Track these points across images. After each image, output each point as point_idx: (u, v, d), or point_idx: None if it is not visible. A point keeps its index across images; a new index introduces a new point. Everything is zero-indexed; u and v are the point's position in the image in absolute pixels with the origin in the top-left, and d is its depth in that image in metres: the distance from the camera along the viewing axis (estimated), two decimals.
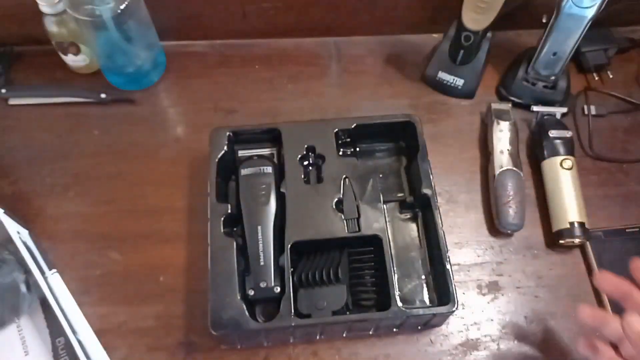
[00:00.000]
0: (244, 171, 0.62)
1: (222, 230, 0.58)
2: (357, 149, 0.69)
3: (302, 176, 0.62)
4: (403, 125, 0.66)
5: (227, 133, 0.64)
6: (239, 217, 0.60)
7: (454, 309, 0.54)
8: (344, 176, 0.62)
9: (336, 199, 0.60)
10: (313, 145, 0.63)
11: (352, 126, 0.65)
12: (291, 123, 0.66)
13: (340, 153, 0.66)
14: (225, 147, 0.63)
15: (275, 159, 0.65)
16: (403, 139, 0.69)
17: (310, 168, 0.64)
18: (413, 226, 0.65)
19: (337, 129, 0.64)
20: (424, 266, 0.62)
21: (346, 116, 0.72)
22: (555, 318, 0.61)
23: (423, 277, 0.62)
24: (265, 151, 0.66)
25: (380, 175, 0.67)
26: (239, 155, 0.66)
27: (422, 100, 0.77)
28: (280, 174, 0.62)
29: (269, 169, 0.62)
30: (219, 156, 0.62)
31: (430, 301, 0.60)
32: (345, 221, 0.59)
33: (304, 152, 0.63)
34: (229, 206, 0.59)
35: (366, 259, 0.60)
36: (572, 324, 0.61)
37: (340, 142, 0.66)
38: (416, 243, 0.64)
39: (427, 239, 0.63)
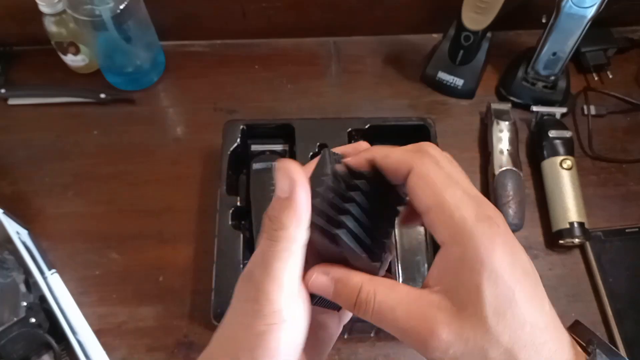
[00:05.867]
0: (255, 165, 0.62)
1: (229, 223, 0.58)
2: None
3: None
4: (417, 128, 0.66)
5: (241, 126, 0.64)
6: (247, 210, 0.60)
7: None
8: None
9: None
10: (325, 144, 0.63)
11: (366, 126, 0.65)
12: (305, 120, 0.66)
13: None
14: (238, 140, 0.63)
15: (287, 155, 0.65)
16: (416, 142, 0.68)
17: None
18: (420, 229, 0.64)
19: (350, 129, 0.64)
20: (429, 270, 0.61)
21: (346, 116, 0.72)
22: None
23: None
24: (278, 147, 0.66)
25: None
26: (252, 149, 0.66)
27: (421, 100, 0.77)
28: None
29: None
30: (231, 149, 0.62)
31: None
32: None
33: (316, 150, 0.63)
34: (238, 199, 0.60)
35: None
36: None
37: (353, 141, 0.66)
38: (422, 247, 0.63)
39: (433, 243, 0.63)
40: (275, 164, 0.27)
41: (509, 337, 0.24)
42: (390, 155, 0.28)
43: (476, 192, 0.27)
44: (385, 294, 0.26)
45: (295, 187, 0.26)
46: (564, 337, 0.26)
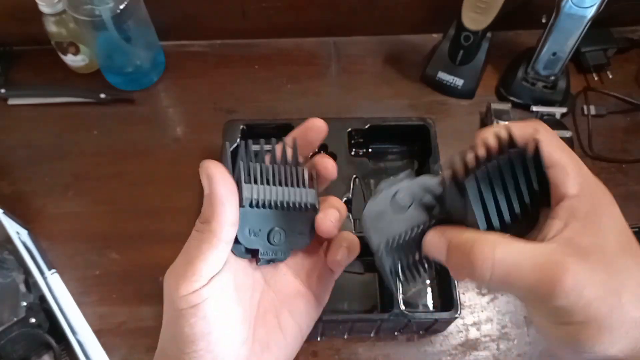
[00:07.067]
0: None
1: None
2: (369, 150, 0.68)
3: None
4: (417, 129, 0.66)
5: (241, 126, 0.64)
6: None
7: (456, 315, 0.54)
8: (354, 176, 0.62)
9: (345, 199, 0.60)
10: (325, 144, 0.64)
11: (366, 127, 0.65)
12: (305, 120, 0.66)
13: (352, 153, 0.66)
14: (238, 140, 0.63)
15: None
16: (416, 142, 0.68)
17: None
18: None
19: (350, 129, 0.65)
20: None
21: (346, 116, 0.72)
22: None
23: (427, 281, 0.61)
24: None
25: (391, 177, 0.67)
26: (252, 149, 0.66)
27: (421, 100, 0.77)
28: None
29: None
30: (231, 149, 0.62)
31: (434, 306, 0.60)
32: (352, 220, 0.59)
33: (316, 150, 0.63)
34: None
35: (371, 259, 0.60)
36: None
37: (352, 142, 0.66)
38: None
39: None
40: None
41: None
42: (514, 126, 0.29)
43: None
44: (504, 250, 0.24)
45: (212, 185, 0.28)
46: None
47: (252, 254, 0.32)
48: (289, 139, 0.34)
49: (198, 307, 0.27)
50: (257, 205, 0.31)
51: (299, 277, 0.34)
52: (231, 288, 0.29)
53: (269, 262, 0.33)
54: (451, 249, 0.26)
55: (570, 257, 0.24)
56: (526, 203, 0.27)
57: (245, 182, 0.30)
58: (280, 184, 0.32)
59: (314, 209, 0.33)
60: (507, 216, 0.27)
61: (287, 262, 0.34)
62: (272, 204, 0.31)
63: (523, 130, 0.28)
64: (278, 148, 0.33)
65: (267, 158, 0.33)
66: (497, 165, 0.27)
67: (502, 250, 0.24)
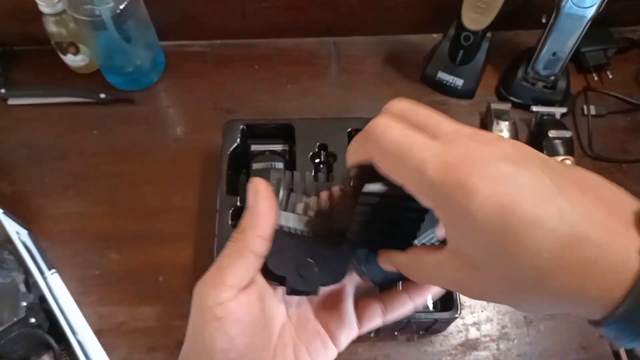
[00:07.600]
0: (255, 165, 0.62)
1: (229, 223, 0.58)
2: None
3: (312, 173, 0.62)
4: None
5: (241, 126, 0.64)
6: None
7: (456, 315, 0.54)
8: None
9: None
10: (325, 144, 0.63)
11: None
12: (305, 120, 0.66)
13: None
14: (238, 140, 0.63)
15: (287, 155, 0.65)
16: None
17: (321, 166, 0.65)
18: None
19: (350, 129, 0.65)
20: None
21: (346, 116, 0.72)
22: (555, 318, 0.61)
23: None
24: (278, 147, 0.66)
25: None
26: (252, 149, 0.66)
27: (421, 100, 0.76)
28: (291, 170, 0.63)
29: (280, 165, 0.62)
30: (231, 149, 0.62)
31: (434, 306, 0.60)
32: None
33: (316, 150, 0.63)
34: (238, 199, 0.60)
35: None
36: (571, 324, 0.61)
37: None
38: None
39: None
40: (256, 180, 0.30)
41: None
42: (349, 160, 0.30)
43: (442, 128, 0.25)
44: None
45: (257, 198, 0.29)
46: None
47: (279, 282, 0.31)
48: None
49: (223, 321, 0.27)
50: (291, 234, 0.31)
51: (320, 318, 0.34)
52: (257, 310, 0.29)
53: (295, 293, 0.32)
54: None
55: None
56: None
57: (282, 209, 0.31)
58: (320, 217, 0.32)
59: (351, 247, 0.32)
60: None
61: (311, 300, 0.34)
62: (307, 234, 0.31)
63: (357, 151, 0.29)
64: (335, 189, 0.33)
65: (323, 194, 0.33)
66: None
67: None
